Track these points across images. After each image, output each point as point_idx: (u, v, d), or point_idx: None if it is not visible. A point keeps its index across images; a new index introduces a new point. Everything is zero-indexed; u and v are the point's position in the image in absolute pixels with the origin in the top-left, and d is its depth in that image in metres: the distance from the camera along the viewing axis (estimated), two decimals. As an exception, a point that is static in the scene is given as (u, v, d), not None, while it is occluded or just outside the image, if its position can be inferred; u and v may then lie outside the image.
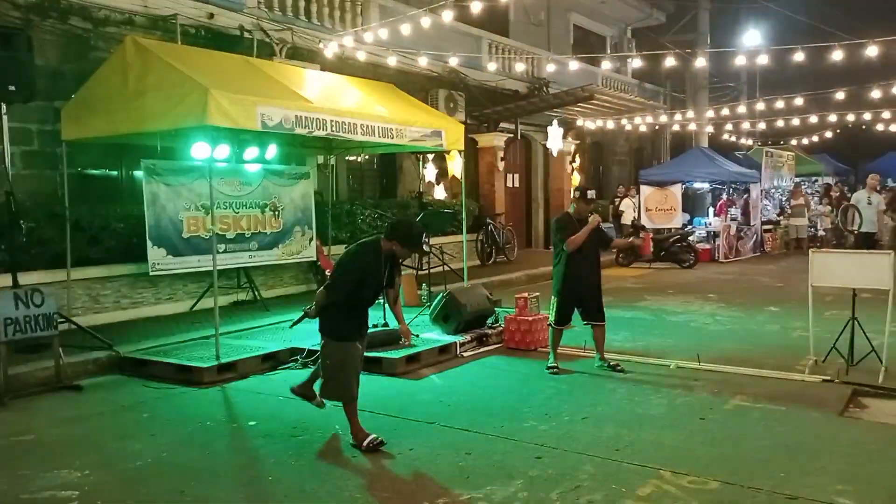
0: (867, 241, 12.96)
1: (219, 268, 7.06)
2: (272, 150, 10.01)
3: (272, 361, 7.01)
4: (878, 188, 14.42)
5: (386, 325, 7.73)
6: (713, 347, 7.60)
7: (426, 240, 5.13)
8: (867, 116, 20.53)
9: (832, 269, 6.78)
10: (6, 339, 6.10)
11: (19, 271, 7.07)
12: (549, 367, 6.75)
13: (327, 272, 10.70)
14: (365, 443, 4.76)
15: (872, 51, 12.10)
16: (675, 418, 5.39)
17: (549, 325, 6.96)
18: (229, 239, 9.59)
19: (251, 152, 9.82)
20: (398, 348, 6.92)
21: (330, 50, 11.82)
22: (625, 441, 4.86)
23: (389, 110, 8.83)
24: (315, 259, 10.72)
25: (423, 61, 13.08)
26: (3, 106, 7.02)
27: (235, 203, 9.70)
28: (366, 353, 6.33)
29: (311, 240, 10.66)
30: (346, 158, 13.24)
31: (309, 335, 7.60)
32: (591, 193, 6.86)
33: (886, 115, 20.20)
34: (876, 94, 16.36)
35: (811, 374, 6.41)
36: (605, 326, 6.90)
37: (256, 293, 10.02)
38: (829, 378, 6.26)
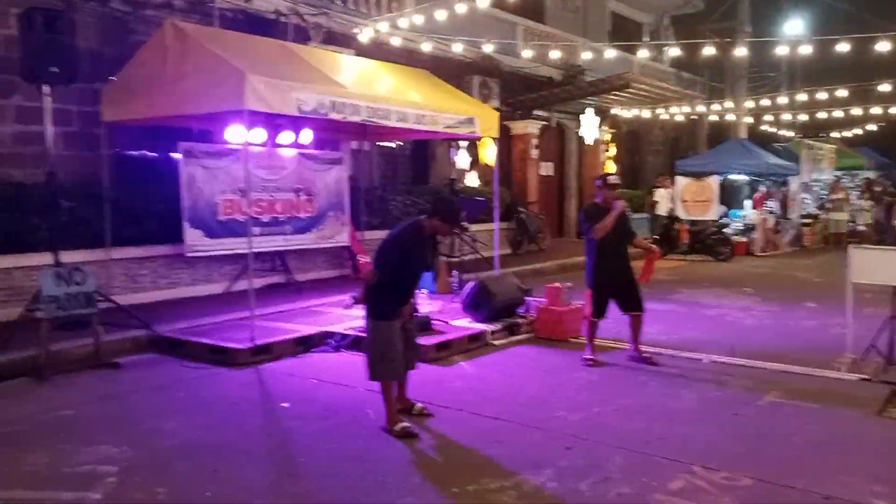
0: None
1: (254, 250, 7.14)
2: (307, 135, 10.07)
3: (305, 344, 7.08)
4: None
5: (417, 311, 7.73)
6: (748, 342, 7.50)
7: (464, 217, 5.15)
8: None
9: (873, 265, 6.63)
10: (48, 315, 6.25)
11: (60, 250, 7.23)
12: (585, 359, 6.69)
13: (359, 257, 10.80)
14: (396, 428, 4.80)
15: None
16: (707, 413, 5.34)
17: (586, 317, 6.91)
18: (264, 222, 9.69)
19: (286, 136, 9.90)
20: (429, 334, 6.94)
21: (365, 35, 11.83)
22: (655, 434, 4.83)
23: (423, 96, 8.81)
24: (348, 244, 10.79)
25: (457, 47, 13.02)
26: (46, 87, 7.13)
27: (270, 186, 9.79)
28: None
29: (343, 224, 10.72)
30: (380, 144, 13.27)
31: (341, 319, 7.71)
32: (613, 178, 6.78)
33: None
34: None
35: (848, 373, 6.29)
36: (641, 317, 6.81)
37: (291, 276, 10.12)
38: (866, 377, 6.14)
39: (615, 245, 6.66)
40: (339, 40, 12.09)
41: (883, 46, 12.60)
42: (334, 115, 7.42)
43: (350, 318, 7.56)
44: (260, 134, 9.22)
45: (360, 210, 11.24)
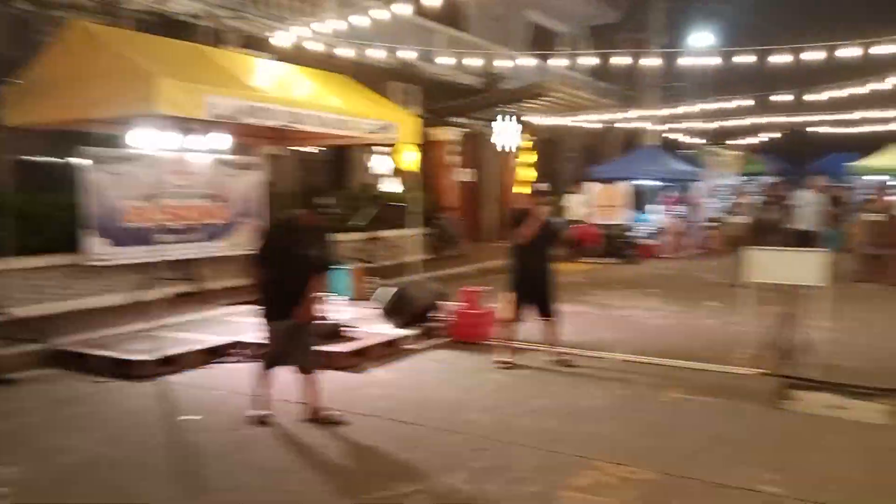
0: (804, 240, 13.38)
1: (163, 259, 6.93)
2: (222, 140, 9.84)
3: (214, 355, 6.92)
4: (823, 189, 14.88)
5: (325, 318, 7.68)
6: (654, 341, 7.79)
7: (332, 202, 5.22)
8: (810, 118, 21.21)
9: (769, 265, 6.99)
10: (-64, 330, 5.89)
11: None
12: (499, 362, 6.80)
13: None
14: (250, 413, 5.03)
15: (816, 55, 12.52)
16: (615, 411, 5.52)
17: (503, 320, 7.03)
18: (175, 229, 9.41)
19: (199, 141, 9.64)
20: (342, 342, 6.90)
21: (283, 40, 11.67)
22: (566, 433, 4.96)
23: (343, 102, 8.78)
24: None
25: (378, 54, 13.01)
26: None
27: (182, 193, 9.52)
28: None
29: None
30: (298, 149, 13.11)
31: (252, 328, 7.54)
32: (541, 187, 6.98)
33: (828, 117, 20.91)
34: (818, 96, 16.92)
35: (747, 368, 6.62)
36: (556, 322, 6.99)
37: (202, 285, 9.84)
38: (763, 371, 6.48)
39: (538, 251, 6.82)
40: (257, 45, 11.87)
41: (783, 59, 13.36)
42: (250, 120, 7.31)
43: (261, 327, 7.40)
44: (172, 139, 8.95)
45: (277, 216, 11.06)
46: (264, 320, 5.19)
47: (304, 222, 5.15)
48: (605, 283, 12.56)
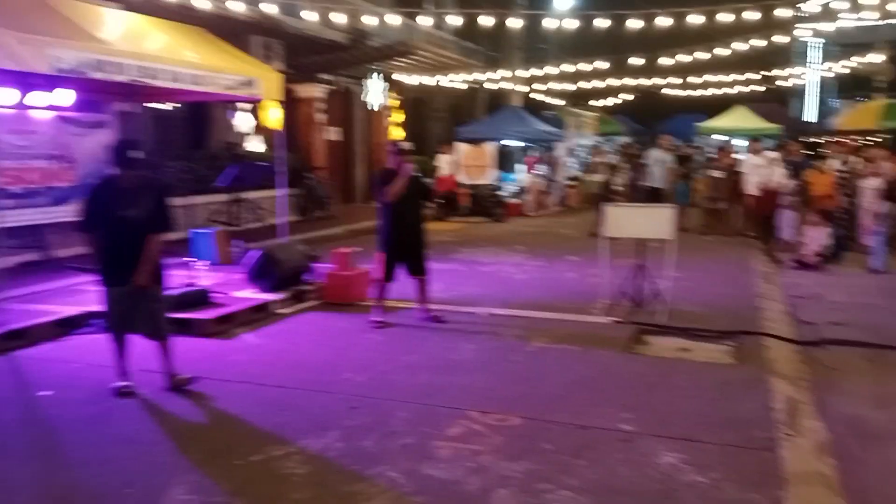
0: (655, 196, 14.31)
1: (3, 225, 6.37)
2: (67, 96, 9.07)
3: (68, 326, 6.49)
4: (670, 148, 15.89)
5: (192, 284, 7.42)
6: (520, 295, 8.12)
7: (139, 154, 4.99)
8: (660, 81, 22.53)
9: (623, 221, 7.47)
10: None
11: None
12: (373, 321, 6.83)
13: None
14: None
15: (666, 21, 13.26)
16: (484, 362, 5.74)
17: (375, 280, 7.04)
18: (16, 193, 8.65)
19: (42, 98, 8.84)
20: (208, 308, 6.70)
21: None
22: (437, 386, 5.10)
23: (200, 56, 8.33)
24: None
25: (237, 6, 12.40)
26: None
27: (22, 153, 8.73)
28: (173, 315, 6.13)
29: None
30: (152, 106, 12.34)
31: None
32: (404, 144, 6.99)
33: (676, 80, 22.30)
34: (667, 60, 17.98)
35: (603, 316, 7.07)
36: (427, 281, 7.08)
37: (49, 252, 9.15)
38: (618, 319, 6.94)
39: (408, 209, 6.84)
40: (103, -7, 10.96)
41: (636, 23, 14.05)
42: (98, 75, 6.77)
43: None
44: (9, 94, 8.15)
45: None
46: (103, 287, 4.99)
47: (126, 182, 4.86)
48: (472, 241, 12.88)
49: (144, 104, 11.55)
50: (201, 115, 13.94)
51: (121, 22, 8.29)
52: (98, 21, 7.74)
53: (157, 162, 11.40)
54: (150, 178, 5.14)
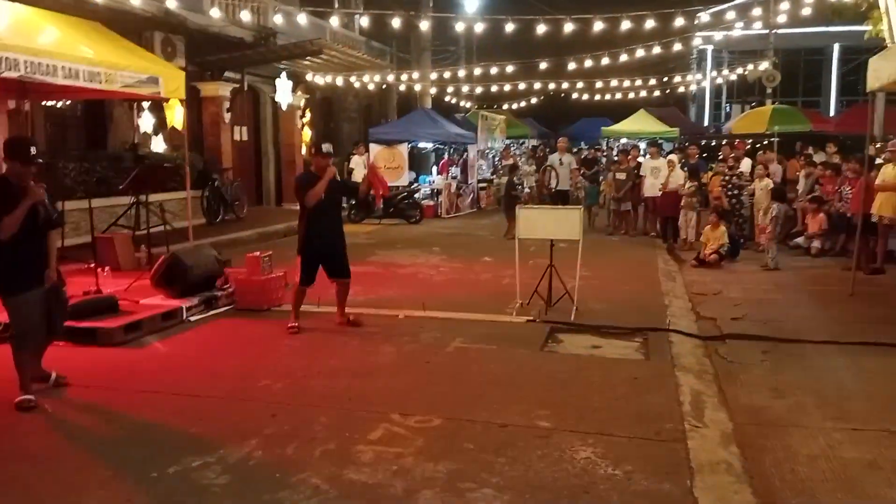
0: (562, 198, 14.72)
1: None
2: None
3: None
4: (569, 150, 16.36)
5: (99, 291, 7.09)
6: (437, 296, 8.18)
7: (34, 150, 4.83)
8: (565, 85, 23.19)
9: (534, 223, 7.66)
10: None
11: None
12: (290, 327, 6.68)
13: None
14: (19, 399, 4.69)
15: (571, 26, 13.67)
16: (404, 364, 5.75)
17: (294, 284, 6.90)
18: None
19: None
20: (114, 317, 6.41)
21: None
22: (357, 390, 5.08)
23: (97, 52, 7.97)
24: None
25: (135, 0, 11.90)
26: None
27: None
28: (77, 325, 5.89)
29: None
30: (45, 104, 11.70)
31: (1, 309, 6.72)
32: (326, 147, 6.87)
33: (580, 84, 23.02)
34: (572, 65, 18.52)
35: (517, 316, 7.22)
36: (348, 283, 7.01)
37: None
38: (532, 318, 7.11)
39: (328, 212, 6.75)
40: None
41: (543, 28, 14.41)
42: (-17, 70, 6.37)
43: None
44: None
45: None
46: (11, 294, 4.71)
47: (26, 179, 4.66)
48: (388, 243, 12.87)
49: (40, 102, 10.96)
50: (100, 114, 13.30)
51: (7, 13, 7.80)
52: (-16, 12, 7.27)
53: (51, 163, 10.80)
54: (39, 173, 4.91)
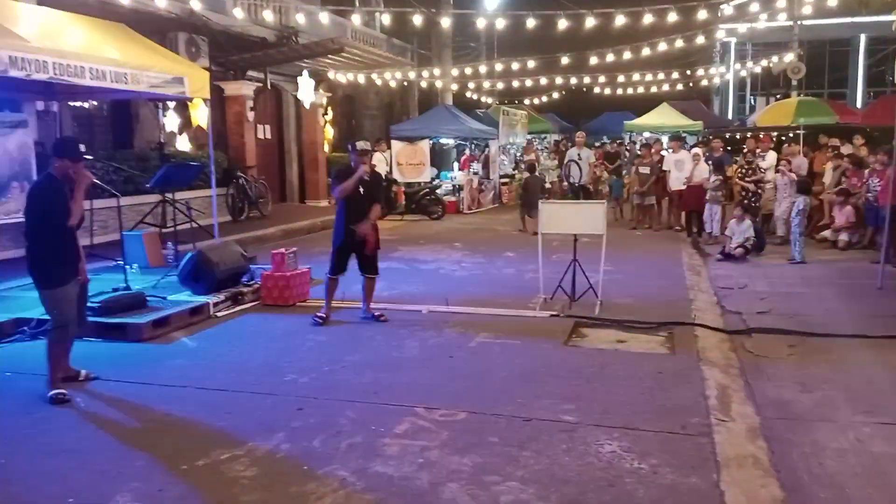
0: (584, 192, 14.66)
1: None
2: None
3: (-6, 335, 6.21)
4: (588, 144, 16.28)
5: (127, 288, 7.21)
6: (460, 291, 8.19)
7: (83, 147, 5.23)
8: (587, 80, 23.07)
9: (557, 217, 7.65)
10: None
11: None
12: (318, 317, 6.81)
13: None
14: (52, 393, 4.79)
15: (591, 21, 13.59)
16: (428, 359, 5.78)
17: (326, 274, 7.01)
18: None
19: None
20: (143, 313, 6.52)
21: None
22: (383, 384, 5.12)
23: (123, 53, 8.07)
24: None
25: (160, 2, 12.05)
26: None
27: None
28: (108, 320, 6.03)
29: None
30: (72, 105, 11.89)
31: (36, 303, 6.86)
32: (361, 144, 6.95)
33: (602, 78, 22.88)
34: (594, 59, 18.42)
35: (541, 311, 7.22)
36: (376, 280, 7.08)
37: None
38: (555, 313, 7.10)
39: (363, 207, 6.81)
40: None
41: (564, 23, 14.35)
42: (14, 73, 6.47)
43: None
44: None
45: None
46: (57, 288, 4.89)
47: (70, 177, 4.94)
48: (411, 239, 12.90)
49: (69, 103, 11.15)
50: (126, 114, 13.49)
51: (36, 17, 7.95)
52: (12, 16, 7.40)
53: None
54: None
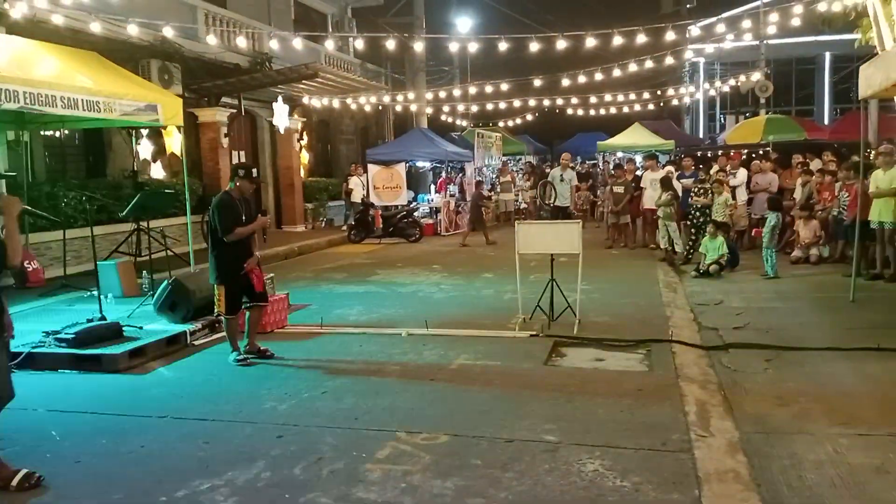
0: (562, 213, 14.76)
1: None
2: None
3: None
4: (571, 165, 16.43)
5: (103, 318, 7.11)
6: (439, 314, 8.18)
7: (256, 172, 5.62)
8: (560, 101, 23.34)
9: (534, 238, 7.69)
10: None
11: None
12: (237, 360, 6.31)
13: (27, 264, 9.49)
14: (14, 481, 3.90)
15: (562, 43, 13.78)
16: (408, 382, 5.76)
17: (220, 315, 6.51)
18: None
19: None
20: (119, 343, 6.43)
21: (18, 11, 10.35)
22: (363, 409, 5.08)
23: (95, 81, 8.05)
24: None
25: (132, 29, 12.03)
26: None
27: None
28: (83, 351, 5.92)
29: None
30: (43, 134, 11.79)
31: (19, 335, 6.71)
32: (255, 171, 6.59)
33: (575, 100, 23.17)
34: (566, 81, 18.65)
35: (520, 331, 7.23)
36: (265, 308, 6.78)
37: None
38: (535, 333, 7.12)
39: (249, 242, 6.50)
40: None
41: (535, 46, 14.52)
42: (-20, 102, 6.43)
43: (21, 334, 6.64)
44: None
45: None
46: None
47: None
48: (389, 262, 12.89)
49: (40, 132, 11.04)
50: (99, 142, 13.38)
51: (7, 46, 7.91)
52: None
53: (51, 192, 10.87)
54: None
